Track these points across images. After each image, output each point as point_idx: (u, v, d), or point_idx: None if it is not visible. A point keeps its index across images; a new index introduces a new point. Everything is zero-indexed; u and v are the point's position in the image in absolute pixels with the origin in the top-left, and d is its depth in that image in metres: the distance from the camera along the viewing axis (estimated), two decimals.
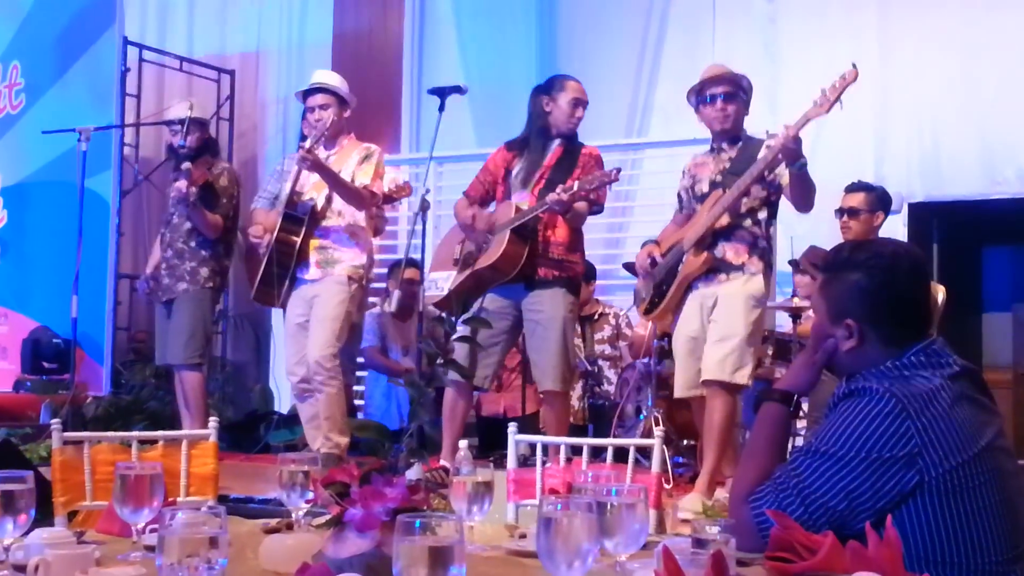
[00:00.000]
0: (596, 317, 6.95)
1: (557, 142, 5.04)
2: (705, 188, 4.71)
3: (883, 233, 5.18)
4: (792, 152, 4.33)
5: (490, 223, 5.04)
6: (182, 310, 5.92)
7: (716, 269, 4.62)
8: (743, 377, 4.53)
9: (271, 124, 9.54)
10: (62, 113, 8.13)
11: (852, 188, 5.28)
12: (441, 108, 5.25)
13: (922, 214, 7.29)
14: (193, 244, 5.91)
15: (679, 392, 4.77)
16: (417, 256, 6.42)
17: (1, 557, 1.86)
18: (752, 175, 4.49)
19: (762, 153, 4.51)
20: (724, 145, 4.73)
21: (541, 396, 5.29)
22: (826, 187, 6.17)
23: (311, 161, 5.20)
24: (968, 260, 8.15)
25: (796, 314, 5.69)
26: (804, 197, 4.53)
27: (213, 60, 9.47)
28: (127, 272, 8.62)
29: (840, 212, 5.20)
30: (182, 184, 5.68)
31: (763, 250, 4.65)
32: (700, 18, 8.01)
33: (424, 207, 5.38)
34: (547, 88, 5.08)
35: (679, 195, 4.93)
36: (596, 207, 5.01)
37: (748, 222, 4.63)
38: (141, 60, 8.89)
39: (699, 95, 4.72)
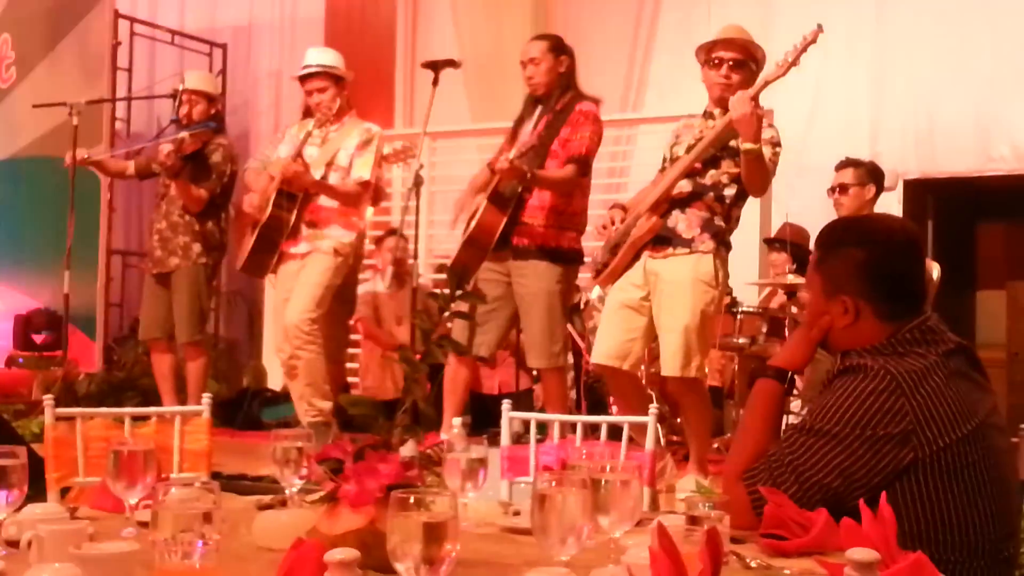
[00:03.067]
0: (583, 305, 6.79)
1: (541, 109, 5.00)
2: (681, 151, 4.50)
3: (878, 209, 5.17)
4: (747, 125, 4.11)
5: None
6: (180, 289, 5.93)
7: (666, 240, 4.41)
8: (694, 370, 4.34)
9: (264, 98, 9.48)
10: (53, 87, 8.08)
11: (841, 165, 5.27)
12: (435, 82, 5.22)
13: (917, 191, 7.28)
14: (188, 217, 5.90)
15: (595, 358, 4.54)
16: (411, 232, 6.40)
17: None
18: (708, 140, 4.30)
19: (719, 123, 4.30)
20: (716, 112, 4.47)
21: (534, 373, 5.28)
22: (822, 164, 6.16)
23: (295, 173, 5.29)
24: (963, 237, 8.15)
25: (791, 290, 5.68)
26: (751, 182, 4.31)
27: (205, 34, 9.40)
28: (119, 248, 8.60)
29: (832, 190, 5.19)
30: (163, 147, 5.68)
31: (718, 229, 4.41)
32: None
33: (418, 182, 5.36)
34: None
35: (663, 155, 4.71)
36: (581, 167, 4.86)
37: (710, 195, 4.40)
38: (132, 34, 8.82)
39: (708, 54, 4.47)
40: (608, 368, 4.51)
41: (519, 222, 4.85)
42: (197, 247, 5.87)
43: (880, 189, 5.25)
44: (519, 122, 5.08)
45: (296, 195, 5.42)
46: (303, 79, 5.58)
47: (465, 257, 4.92)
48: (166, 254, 5.95)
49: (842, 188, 5.15)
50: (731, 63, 4.41)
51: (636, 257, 4.48)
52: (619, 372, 4.50)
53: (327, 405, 5.37)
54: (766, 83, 4.18)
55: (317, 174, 5.42)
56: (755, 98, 4.20)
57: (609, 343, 4.48)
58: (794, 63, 4.13)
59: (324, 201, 5.47)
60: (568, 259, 4.97)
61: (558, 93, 4.98)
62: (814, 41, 4.10)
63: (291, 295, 5.40)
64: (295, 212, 5.42)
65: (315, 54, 5.68)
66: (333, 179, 5.45)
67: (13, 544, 1.81)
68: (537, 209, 4.88)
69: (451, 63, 5.25)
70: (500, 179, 4.79)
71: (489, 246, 4.84)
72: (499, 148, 5.11)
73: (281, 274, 5.52)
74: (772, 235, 6.53)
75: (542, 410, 5.17)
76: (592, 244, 5.13)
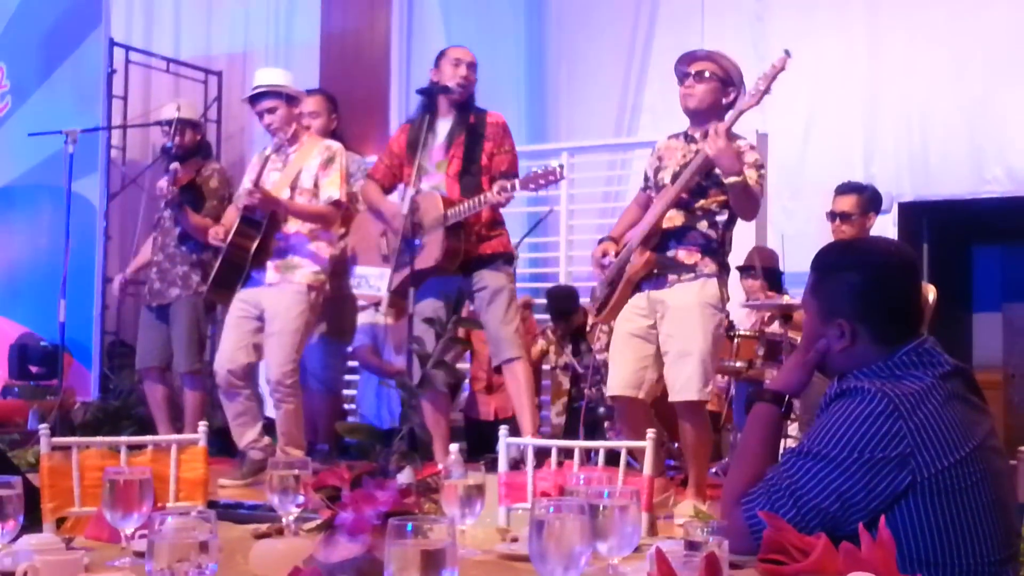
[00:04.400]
0: (589, 329, 6.81)
1: (454, 116, 5.03)
2: (667, 178, 4.54)
3: (873, 233, 5.17)
4: (725, 160, 4.20)
5: (413, 218, 4.97)
6: (179, 318, 5.93)
7: (666, 270, 4.47)
8: (708, 393, 4.51)
9: (258, 125, 9.38)
10: (48, 115, 8.09)
11: (843, 190, 5.18)
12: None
13: (912, 213, 7.31)
14: (184, 248, 5.90)
15: (613, 390, 4.58)
16: None
17: None
18: (690, 171, 4.35)
19: (698, 158, 4.36)
20: (697, 135, 4.52)
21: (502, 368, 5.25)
22: (816, 186, 6.19)
23: (260, 199, 5.13)
24: (958, 260, 8.17)
25: (787, 314, 5.67)
26: (742, 209, 4.41)
27: (200, 61, 9.44)
28: (114, 276, 8.58)
29: (832, 216, 5.13)
30: (163, 183, 5.65)
31: (716, 252, 4.48)
32: (689, 17, 8.01)
33: (413, 208, 5.34)
34: (434, 65, 5.17)
35: (645, 173, 4.78)
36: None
37: (704, 224, 4.46)
38: (128, 62, 8.86)
39: (678, 74, 4.58)
40: (624, 398, 4.55)
41: (471, 238, 4.96)
42: (196, 276, 5.86)
43: (877, 216, 5.25)
44: (418, 128, 5.03)
45: (261, 222, 5.26)
46: (252, 101, 5.43)
47: (412, 283, 4.90)
48: (165, 285, 5.95)
49: (844, 216, 5.08)
50: (693, 75, 4.49)
51: (634, 291, 4.54)
52: (635, 402, 4.55)
53: (299, 453, 5.26)
54: (739, 113, 4.27)
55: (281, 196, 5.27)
56: (728, 131, 4.25)
57: (623, 374, 4.53)
58: (766, 91, 4.21)
59: (292, 227, 5.31)
60: (511, 259, 5.20)
61: (466, 105, 5.08)
62: (783, 68, 4.18)
63: (268, 344, 5.25)
64: (259, 240, 5.24)
65: (264, 74, 5.54)
66: (300, 202, 5.32)
67: (8, 575, 1.80)
68: (482, 226, 5.01)
69: (446, 90, 5.26)
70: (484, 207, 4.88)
71: (451, 270, 4.93)
72: (389, 158, 5.15)
73: (241, 293, 5.33)
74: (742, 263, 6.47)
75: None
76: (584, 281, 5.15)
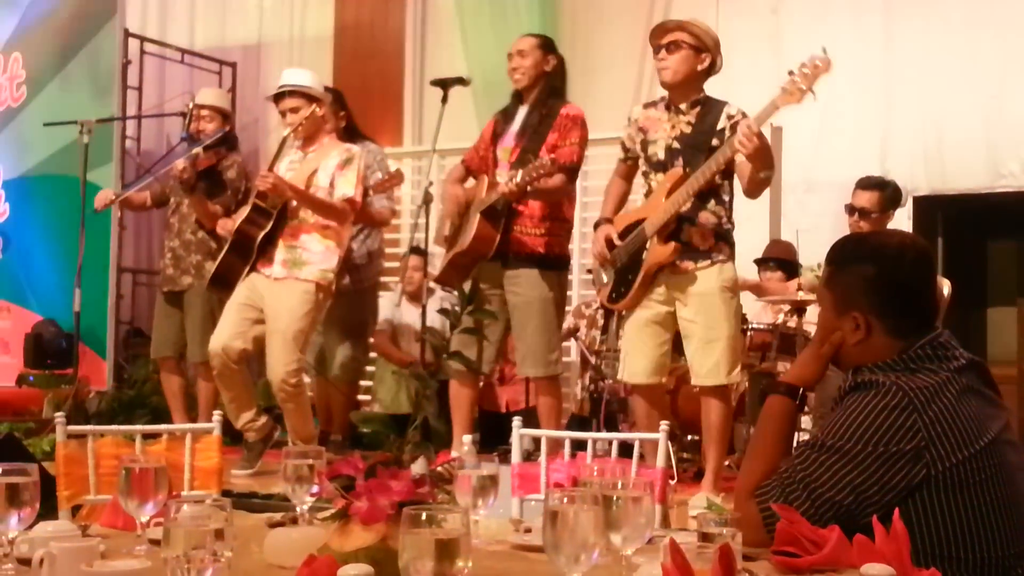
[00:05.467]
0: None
1: (526, 107, 5.00)
2: (661, 154, 4.51)
3: (889, 226, 5.15)
4: (762, 158, 4.13)
5: (467, 199, 5.00)
6: (193, 308, 5.95)
7: (682, 255, 4.46)
8: (736, 376, 4.53)
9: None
10: (63, 105, 8.12)
11: (865, 185, 5.16)
12: (444, 100, 5.23)
13: (927, 208, 7.27)
14: (201, 235, 5.92)
15: (636, 378, 4.57)
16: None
17: (6, 551, 1.85)
18: (717, 163, 4.30)
19: (724, 150, 4.30)
20: (683, 107, 4.50)
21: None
22: (831, 180, 6.17)
23: (272, 184, 5.06)
24: (973, 254, 8.13)
25: (800, 308, 5.66)
26: (755, 192, 4.43)
27: (214, 52, 9.45)
28: (129, 266, 8.62)
29: (851, 210, 5.11)
30: (178, 163, 5.64)
31: (727, 232, 4.52)
32: (703, 8, 7.96)
33: (427, 200, 5.34)
34: None
35: (623, 144, 4.71)
36: (570, 176, 4.89)
37: (712, 202, 4.48)
38: (142, 52, 8.87)
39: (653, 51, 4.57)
40: (646, 386, 4.58)
41: (511, 231, 4.88)
42: (210, 265, 5.87)
43: (895, 211, 5.23)
44: (503, 119, 5.06)
45: (271, 212, 5.21)
46: (276, 98, 5.39)
47: (452, 272, 4.92)
48: (179, 273, 5.97)
49: (863, 213, 5.07)
50: (665, 46, 4.47)
51: (654, 279, 4.52)
52: (656, 388, 4.62)
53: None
54: (776, 109, 4.14)
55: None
56: (759, 130, 4.15)
57: (643, 362, 4.55)
58: (808, 91, 4.03)
59: (303, 223, 5.25)
60: (560, 266, 5.04)
61: (543, 95, 4.99)
62: (827, 71, 4.00)
63: (271, 341, 5.17)
64: (269, 229, 5.20)
65: (290, 74, 5.51)
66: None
67: (25, 562, 1.81)
68: (527, 218, 4.91)
69: (460, 81, 5.25)
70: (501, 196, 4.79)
71: (484, 259, 4.87)
72: (480, 144, 5.10)
73: (247, 280, 5.27)
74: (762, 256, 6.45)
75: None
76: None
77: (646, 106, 4.70)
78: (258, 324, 5.23)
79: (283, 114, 5.34)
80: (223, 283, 5.38)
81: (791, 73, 4.00)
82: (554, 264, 4.96)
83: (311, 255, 5.22)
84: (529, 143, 4.89)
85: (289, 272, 5.19)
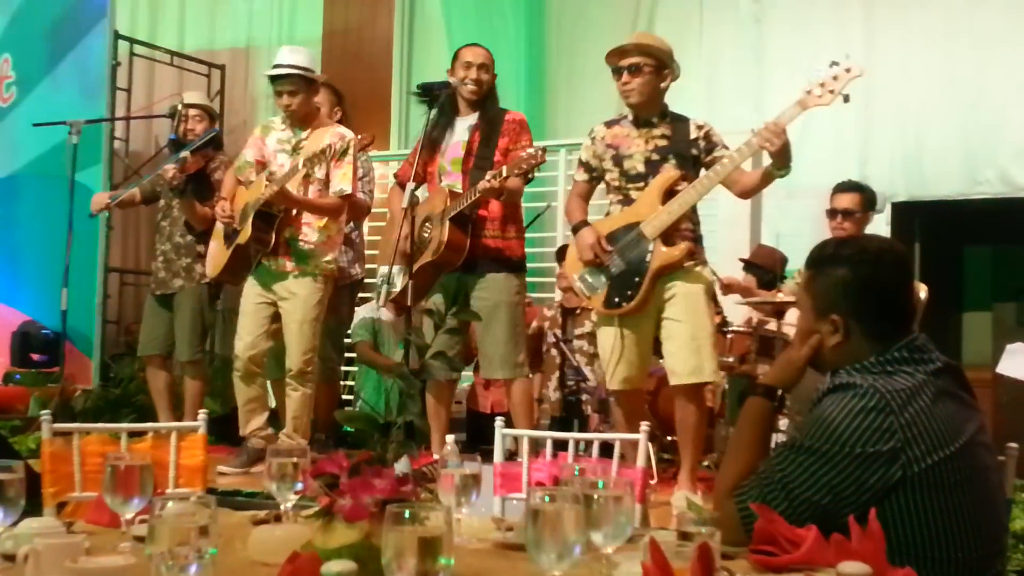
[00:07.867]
0: (578, 312, 6.72)
1: (475, 115, 5.02)
2: (640, 167, 4.54)
3: (867, 232, 5.20)
4: (782, 157, 4.19)
5: (424, 212, 4.98)
6: (183, 308, 5.98)
7: None
8: (720, 374, 4.62)
9: (261, 119, 9.52)
10: (53, 106, 8.12)
11: (843, 188, 5.21)
12: (431, 104, 5.24)
13: (905, 213, 7.34)
14: (190, 238, 5.94)
15: (618, 385, 4.59)
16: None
17: None
18: (735, 162, 4.34)
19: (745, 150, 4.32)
20: (654, 120, 4.56)
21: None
22: (811, 186, 6.20)
23: (277, 194, 5.14)
24: (949, 259, 8.19)
25: (780, 310, 5.69)
26: (754, 192, 4.57)
27: (203, 55, 9.46)
28: (116, 266, 8.61)
29: (833, 213, 5.15)
30: (169, 168, 5.68)
31: (699, 239, 4.61)
32: (687, 18, 8.03)
33: (413, 203, 5.35)
34: (450, 67, 5.13)
35: (586, 163, 4.72)
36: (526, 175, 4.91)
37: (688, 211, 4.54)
38: (132, 54, 8.86)
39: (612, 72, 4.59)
40: (630, 392, 4.63)
41: (477, 236, 4.91)
42: (200, 268, 5.89)
43: (874, 213, 5.30)
44: (439, 130, 5.05)
45: (275, 215, 5.30)
46: (273, 78, 5.39)
47: (423, 278, 4.90)
48: (170, 275, 5.99)
49: (846, 213, 5.11)
50: (627, 68, 4.51)
51: (657, 281, 4.52)
52: (639, 393, 4.70)
53: (303, 441, 5.28)
54: (804, 110, 4.15)
55: (292, 186, 5.25)
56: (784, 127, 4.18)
57: (629, 369, 4.57)
58: (838, 94, 4.07)
59: (306, 217, 5.35)
60: (521, 267, 5.07)
61: (491, 104, 5.06)
62: (860, 75, 4.07)
63: (287, 332, 5.31)
64: (273, 232, 5.29)
65: (288, 54, 5.45)
66: (311, 192, 5.33)
67: (10, 558, 1.82)
68: (490, 222, 4.95)
69: (446, 86, 5.27)
70: (479, 197, 4.81)
71: (455, 265, 4.88)
72: (414, 158, 5.02)
73: (255, 276, 5.39)
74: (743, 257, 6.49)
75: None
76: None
77: (608, 124, 4.72)
78: (274, 320, 5.39)
79: (279, 95, 5.35)
80: (231, 277, 5.57)
81: (821, 83, 4.05)
82: (517, 267, 5.02)
83: (315, 248, 5.35)
84: (480, 148, 4.94)
85: (296, 265, 5.33)
